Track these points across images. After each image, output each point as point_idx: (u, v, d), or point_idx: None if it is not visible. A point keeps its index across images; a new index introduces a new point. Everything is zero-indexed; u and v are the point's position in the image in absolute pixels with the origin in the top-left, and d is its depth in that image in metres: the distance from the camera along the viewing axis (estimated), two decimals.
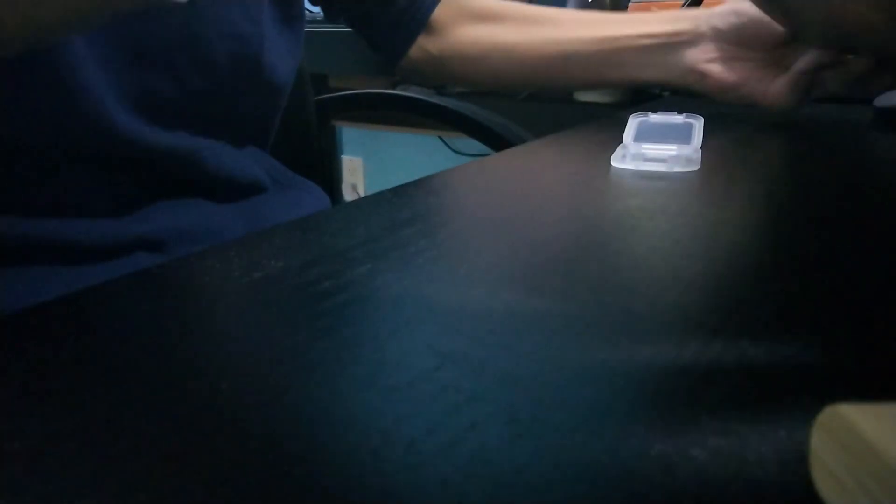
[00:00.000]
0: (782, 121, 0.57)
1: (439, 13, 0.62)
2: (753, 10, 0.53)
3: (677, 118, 0.47)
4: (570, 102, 1.23)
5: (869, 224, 0.32)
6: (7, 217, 0.38)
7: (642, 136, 0.45)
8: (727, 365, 0.19)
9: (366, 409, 0.17)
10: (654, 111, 0.49)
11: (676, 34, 0.57)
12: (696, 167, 0.41)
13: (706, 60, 0.56)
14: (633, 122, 0.47)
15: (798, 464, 0.15)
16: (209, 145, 0.45)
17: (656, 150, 0.42)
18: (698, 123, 0.46)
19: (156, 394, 0.18)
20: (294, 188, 0.54)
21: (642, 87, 0.60)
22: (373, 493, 0.14)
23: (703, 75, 0.57)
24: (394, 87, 1.12)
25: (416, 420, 0.17)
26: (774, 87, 0.55)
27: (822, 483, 0.14)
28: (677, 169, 0.41)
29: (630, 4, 1.16)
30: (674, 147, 0.43)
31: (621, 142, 0.45)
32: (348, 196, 1.72)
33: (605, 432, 0.16)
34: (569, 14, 0.61)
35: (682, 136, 0.45)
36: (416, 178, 0.40)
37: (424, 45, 0.62)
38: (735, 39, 0.55)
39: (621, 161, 0.43)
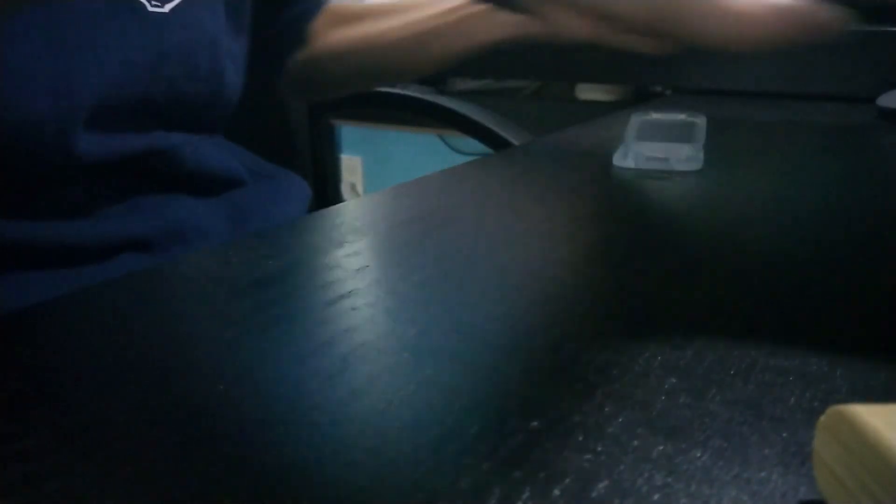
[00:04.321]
0: (785, 120, 0.57)
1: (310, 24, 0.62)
2: None
3: (679, 117, 0.47)
4: (572, 101, 1.23)
5: (873, 224, 0.32)
6: None
7: (644, 135, 0.45)
8: (729, 365, 0.19)
9: (365, 410, 0.17)
10: (656, 110, 0.49)
11: None
12: (698, 166, 0.41)
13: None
14: (635, 121, 0.46)
15: (801, 465, 0.15)
16: (188, 140, 0.45)
17: (658, 150, 0.42)
18: (701, 122, 0.46)
19: (155, 395, 0.18)
20: (273, 178, 0.55)
21: (498, 48, 0.59)
22: (372, 495, 0.14)
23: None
24: (393, 86, 1.12)
25: (416, 420, 0.17)
26: None
27: (826, 484, 0.14)
28: (679, 168, 0.41)
29: None
30: (676, 146, 0.42)
31: (623, 141, 0.44)
32: (347, 195, 1.72)
33: (605, 433, 0.16)
34: None
35: (684, 134, 0.45)
36: (415, 177, 0.40)
37: (297, 57, 0.63)
38: None
39: (623, 160, 0.42)
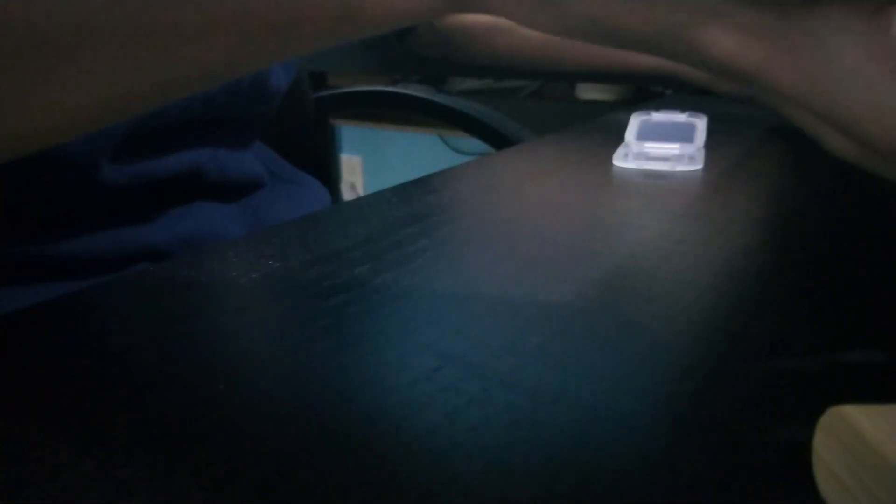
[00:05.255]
0: (785, 120, 0.57)
1: None
2: None
3: (680, 117, 0.47)
4: (572, 101, 1.23)
5: (872, 225, 0.31)
6: (8, 234, 0.37)
7: (645, 134, 0.45)
8: (730, 365, 0.19)
9: (365, 411, 0.17)
10: (657, 109, 0.49)
11: None
12: (698, 166, 0.41)
13: None
14: (636, 121, 0.46)
15: (801, 464, 0.15)
16: (210, 154, 0.44)
17: (659, 149, 0.42)
18: (701, 122, 0.46)
19: (155, 394, 0.18)
20: (293, 183, 0.54)
21: (644, 75, 0.59)
22: (371, 495, 0.14)
23: None
24: (393, 85, 1.12)
25: (416, 421, 0.17)
26: None
27: (825, 483, 0.14)
28: (680, 168, 0.41)
29: None
30: (676, 146, 0.43)
31: (623, 140, 0.44)
32: (347, 195, 1.72)
33: (606, 433, 0.16)
34: None
35: (684, 134, 0.45)
36: (415, 177, 0.40)
37: (432, 21, 0.62)
38: None
39: (623, 160, 0.42)
